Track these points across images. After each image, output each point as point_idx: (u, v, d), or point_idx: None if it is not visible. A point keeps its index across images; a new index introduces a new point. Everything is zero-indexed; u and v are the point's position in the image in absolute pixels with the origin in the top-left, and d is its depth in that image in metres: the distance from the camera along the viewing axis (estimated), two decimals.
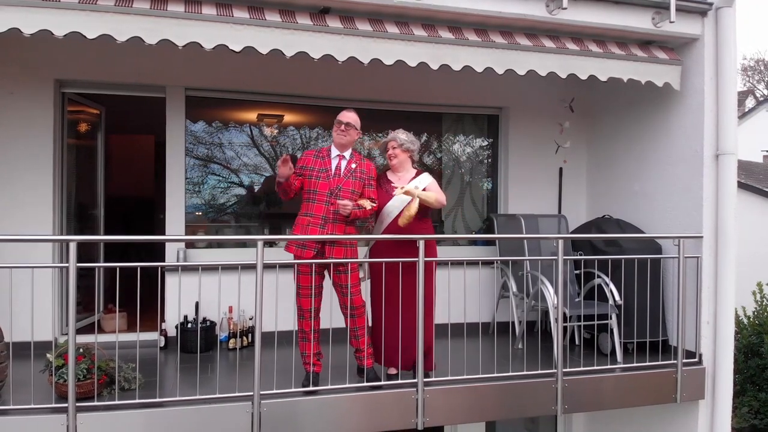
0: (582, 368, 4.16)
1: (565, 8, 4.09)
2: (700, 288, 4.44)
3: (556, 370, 3.95)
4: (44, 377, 3.42)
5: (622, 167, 5.42)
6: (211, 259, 4.96)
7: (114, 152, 7.46)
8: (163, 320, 4.65)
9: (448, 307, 3.89)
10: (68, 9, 3.32)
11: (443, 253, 4.51)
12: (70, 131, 4.97)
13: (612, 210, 5.42)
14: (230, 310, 4.76)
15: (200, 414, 3.36)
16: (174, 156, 4.98)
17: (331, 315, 3.78)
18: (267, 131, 5.51)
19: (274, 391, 3.48)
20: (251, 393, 3.37)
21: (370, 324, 3.93)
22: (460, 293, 3.91)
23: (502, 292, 5.26)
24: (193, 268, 4.24)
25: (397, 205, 3.89)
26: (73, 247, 3.13)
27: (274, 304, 3.54)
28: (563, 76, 4.27)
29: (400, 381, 3.76)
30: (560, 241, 3.96)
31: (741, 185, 8.20)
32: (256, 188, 5.55)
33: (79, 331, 3.37)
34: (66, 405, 3.12)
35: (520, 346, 4.68)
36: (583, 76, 4.31)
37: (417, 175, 4.04)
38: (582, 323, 4.81)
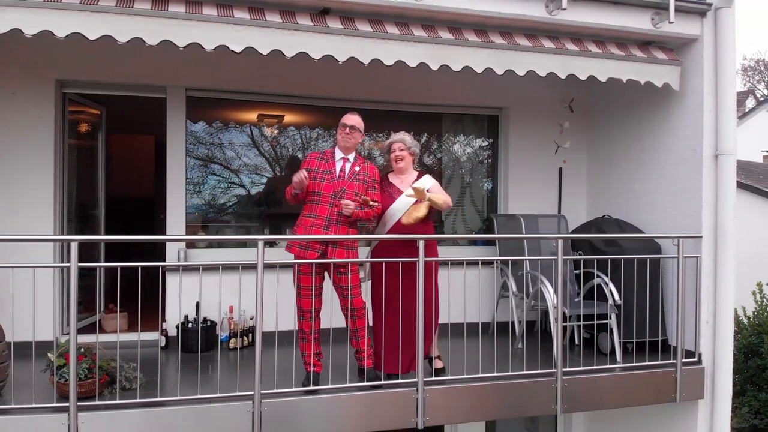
0: (582, 368, 4.17)
1: (565, 9, 4.10)
2: (699, 288, 4.45)
3: (555, 370, 3.95)
4: (45, 377, 3.43)
5: (621, 167, 5.43)
6: (212, 259, 4.97)
7: (114, 152, 7.47)
8: (163, 320, 4.66)
9: (448, 307, 3.90)
10: (69, 10, 3.33)
11: (443, 253, 4.51)
12: (70, 131, 4.98)
13: (611, 210, 5.43)
14: (231, 309, 4.77)
15: (201, 413, 3.37)
16: (174, 156, 4.99)
17: (332, 315, 3.79)
18: (267, 131, 5.52)
19: (275, 391, 3.49)
20: (252, 392, 3.38)
21: (370, 324, 3.94)
22: (460, 293, 3.92)
23: (501, 292, 5.27)
24: (193, 268, 4.25)
25: (400, 207, 3.92)
26: (74, 247, 3.14)
27: (274, 304, 3.54)
28: (563, 76, 4.28)
29: (400, 381, 3.77)
30: (560, 241, 3.97)
31: (741, 185, 8.22)
32: (258, 190, 5.56)
33: (80, 330, 3.37)
34: (67, 404, 3.14)
35: (519, 345, 4.69)
36: (583, 77, 4.32)
37: (419, 177, 4.06)
38: (581, 323, 4.83)
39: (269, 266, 3.47)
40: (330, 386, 3.63)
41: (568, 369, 4.06)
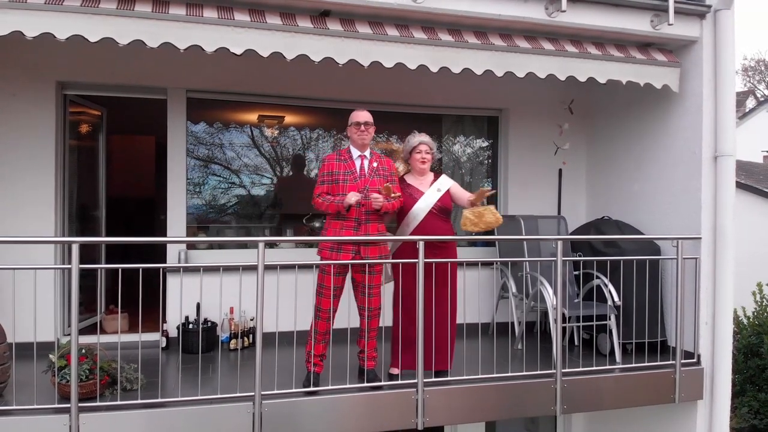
0: (581, 369, 4.18)
1: (564, 11, 4.11)
2: (698, 289, 4.46)
3: (555, 371, 3.96)
4: (47, 378, 3.44)
5: (621, 168, 5.44)
6: (213, 260, 4.99)
7: (115, 153, 7.48)
8: (164, 321, 4.67)
9: (448, 307, 3.91)
10: (70, 12, 3.34)
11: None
12: (71, 132, 4.99)
13: (611, 211, 5.44)
14: (231, 310, 4.78)
15: (202, 414, 3.38)
16: (175, 157, 5.00)
17: (332, 316, 3.80)
18: (268, 132, 5.53)
19: (275, 392, 3.50)
20: (252, 393, 3.39)
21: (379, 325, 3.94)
22: (460, 294, 3.94)
23: (501, 293, 5.28)
24: (194, 269, 4.26)
25: (423, 206, 3.94)
26: (75, 248, 3.14)
27: (275, 305, 3.55)
28: (562, 78, 4.29)
29: (400, 381, 3.78)
30: (559, 243, 3.98)
31: (741, 185, 8.23)
32: (259, 190, 5.57)
33: (81, 331, 3.38)
34: (68, 405, 3.15)
35: (519, 346, 4.70)
36: (582, 79, 4.33)
37: (436, 177, 4.10)
38: (581, 324, 4.84)
39: (270, 267, 3.47)
40: (330, 387, 3.65)
41: (567, 370, 4.06)
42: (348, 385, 3.67)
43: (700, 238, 4.48)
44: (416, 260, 3.67)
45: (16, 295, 3.19)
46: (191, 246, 5.05)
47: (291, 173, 5.67)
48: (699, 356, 4.47)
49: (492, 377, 3.89)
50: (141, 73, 4.83)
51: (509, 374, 3.94)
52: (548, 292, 4.42)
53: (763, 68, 25.91)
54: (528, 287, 4.87)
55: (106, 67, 4.75)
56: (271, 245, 5.20)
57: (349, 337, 3.77)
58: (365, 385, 3.76)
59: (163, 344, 4.68)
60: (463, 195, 4.09)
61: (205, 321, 4.70)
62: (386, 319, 3.94)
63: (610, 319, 4.51)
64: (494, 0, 4.07)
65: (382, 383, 3.77)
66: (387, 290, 3.98)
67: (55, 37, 3.34)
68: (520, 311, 4.95)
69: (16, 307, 3.20)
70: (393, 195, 3.77)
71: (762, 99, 20.66)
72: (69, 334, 3.40)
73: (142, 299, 3.35)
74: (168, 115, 4.97)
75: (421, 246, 3.65)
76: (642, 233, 4.99)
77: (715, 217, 4.49)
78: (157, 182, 8.04)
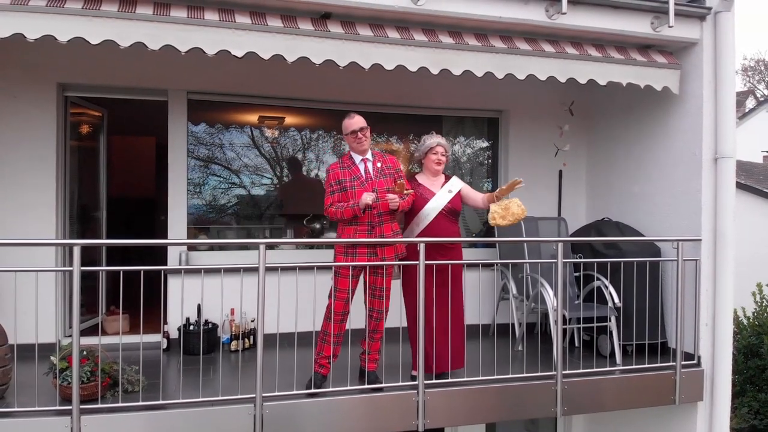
0: (581, 370, 4.19)
1: (565, 13, 4.11)
2: (698, 290, 4.46)
3: (555, 372, 3.97)
4: (48, 379, 3.44)
5: (621, 170, 5.45)
6: (213, 262, 5.00)
7: (115, 154, 7.49)
8: (165, 322, 4.67)
9: (448, 308, 3.91)
10: (71, 15, 3.34)
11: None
12: (72, 133, 4.99)
13: (611, 213, 5.45)
14: (232, 312, 4.79)
15: (203, 416, 3.39)
16: (176, 158, 5.00)
17: (345, 318, 3.80)
18: (268, 133, 5.54)
19: (276, 394, 3.51)
20: (253, 395, 3.40)
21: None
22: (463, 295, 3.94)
23: (502, 295, 5.28)
24: (195, 271, 4.27)
25: (434, 206, 3.96)
26: (77, 251, 3.15)
27: (276, 307, 3.56)
28: (563, 80, 4.29)
29: (400, 383, 3.79)
30: (559, 244, 3.99)
31: (741, 186, 8.23)
32: (259, 190, 5.57)
33: (82, 333, 3.40)
34: (70, 407, 3.15)
35: (520, 348, 4.70)
36: (583, 81, 4.34)
37: (447, 179, 4.12)
38: (581, 325, 4.84)
39: (270, 269, 3.48)
40: (331, 389, 3.66)
41: (568, 371, 4.07)
42: (349, 387, 3.68)
43: (700, 239, 4.49)
44: (417, 262, 3.68)
45: (18, 296, 3.19)
46: (192, 247, 5.06)
47: (291, 174, 5.67)
48: (699, 358, 4.48)
49: (492, 379, 3.90)
50: (142, 75, 4.84)
51: (510, 376, 3.95)
52: (549, 293, 4.43)
53: (762, 68, 25.92)
54: (528, 289, 4.87)
55: (107, 69, 4.75)
56: (271, 246, 5.21)
57: (350, 339, 3.78)
58: (366, 387, 3.77)
59: (164, 346, 4.69)
60: (475, 196, 4.13)
61: (206, 322, 4.70)
62: (395, 320, 3.94)
63: (610, 321, 4.52)
64: (495, 2, 4.07)
65: (383, 385, 3.77)
66: (396, 293, 3.98)
67: (56, 39, 3.34)
68: (521, 313, 4.96)
69: (17, 309, 3.20)
70: (406, 192, 3.77)
71: (762, 99, 20.67)
72: (70, 336, 3.41)
73: (143, 300, 3.35)
74: (169, 116, 4.98)
75: (421, 248, 3.66)
76: (642, 235, 5.00)
77: (716, 219, 4.49)
78: (157, 183, 8.05)
